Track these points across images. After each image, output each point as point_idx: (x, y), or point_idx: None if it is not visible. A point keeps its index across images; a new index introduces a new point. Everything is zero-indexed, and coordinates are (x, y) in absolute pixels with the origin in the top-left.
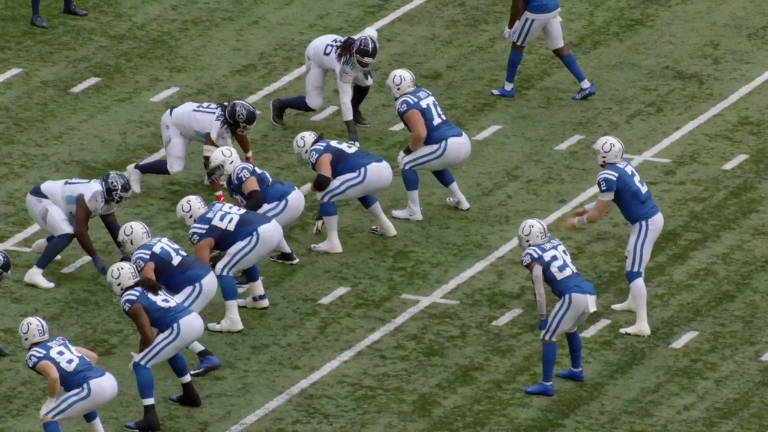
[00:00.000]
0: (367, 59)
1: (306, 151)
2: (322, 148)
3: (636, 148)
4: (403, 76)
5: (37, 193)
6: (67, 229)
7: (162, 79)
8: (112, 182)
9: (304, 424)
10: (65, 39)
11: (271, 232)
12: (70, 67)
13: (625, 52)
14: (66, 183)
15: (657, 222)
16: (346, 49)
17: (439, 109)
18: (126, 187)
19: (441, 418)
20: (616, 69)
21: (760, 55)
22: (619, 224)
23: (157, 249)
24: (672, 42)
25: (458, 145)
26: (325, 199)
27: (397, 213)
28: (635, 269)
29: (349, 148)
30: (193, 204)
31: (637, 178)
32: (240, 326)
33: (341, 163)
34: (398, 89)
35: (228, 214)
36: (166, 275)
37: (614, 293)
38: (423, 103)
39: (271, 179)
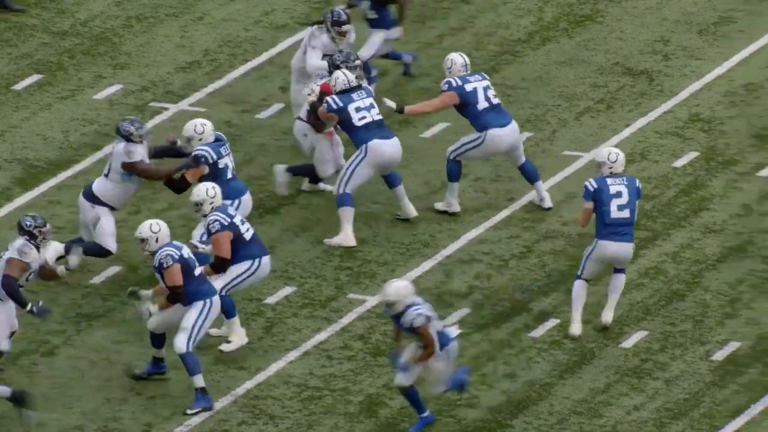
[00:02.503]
0: (345, 27)
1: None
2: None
3: (586, 146)
4: (454, 60)
5: (91, 197)
6: (111, 245)
7: (105, 77)
8: (27, 224)
9: (250, 426)
10: (7, 35)
11: (268, 265)
12: (11, 64)
13: (575, 49)
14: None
15: (608, 250)
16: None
17: (491, 93)
18: (44, 222)
19: (388, 419)
20: (565, 65)
21: (711, 51)
22: (568, 223)
23: (185, 253)
24: (622, 38)
25: (497, 137)
26: (341, 190)
27: (437, 205)
28: (578, 272)
29: (243, 224)
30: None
31: (618, 201)
32: (245, 339)
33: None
34: (449, 72)
35: (245, 223)
36: (185, 282)
37: (564, 292)
38: (469, 87)
39: (232, 173)
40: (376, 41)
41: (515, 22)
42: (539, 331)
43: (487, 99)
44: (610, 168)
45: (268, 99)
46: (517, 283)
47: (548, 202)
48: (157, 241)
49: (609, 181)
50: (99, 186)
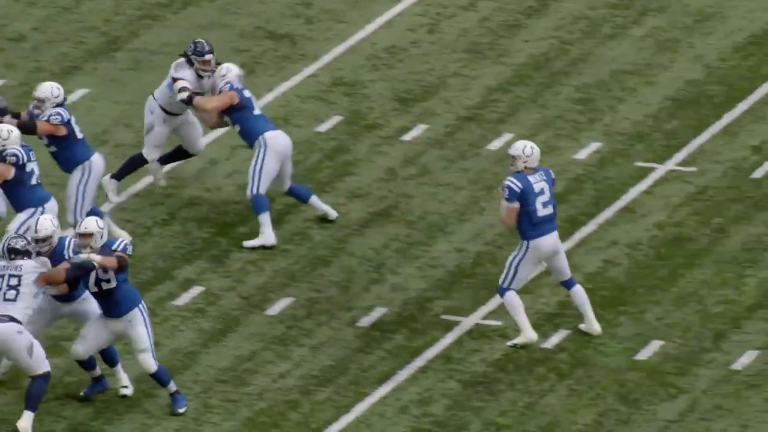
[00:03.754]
0: (207, 56)
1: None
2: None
3: None
4: (229, 68)
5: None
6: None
7: None
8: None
9: None
10: None
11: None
12: None
13: (216, 12)
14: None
15: (544, 247)
16: (188, 61)
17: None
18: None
19: None
20: (206, 29)
21: (354, 14)
22: (211, 189)
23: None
24: (264, 1)
25: (274, 137)
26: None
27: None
28: (505, 285)
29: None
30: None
31: (542, 198)
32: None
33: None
34: (222, 78)
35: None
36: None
37: (207, 260)
38: (246, 93)
39: (37, 180)
40: None
41: None
42: (184, 299)
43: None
44: (525, 162)
45: None
46: (159, 251)
47: (333, 214)
48: (102, 237)
49: (531, 179)
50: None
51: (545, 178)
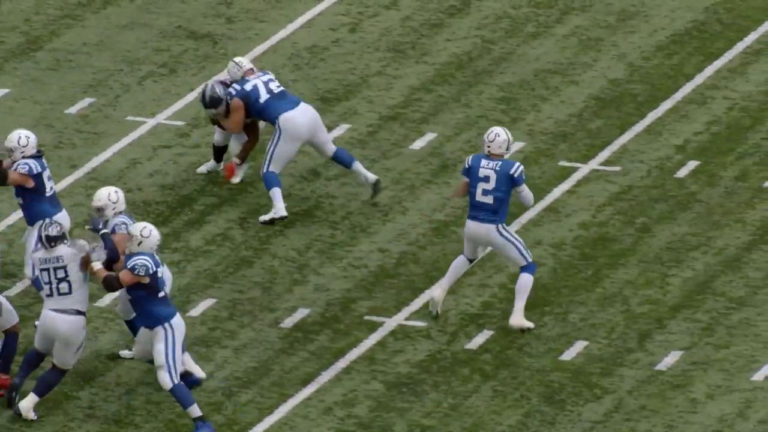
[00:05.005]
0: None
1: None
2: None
3: (149, 111)
4: (241, 62)
5: None
6: None
7: None
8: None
9: None
10: None
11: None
12: None
13: (136, 12)
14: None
15: (468, 229)
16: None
17: (273, 84)
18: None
19: None
20: (126, 29)
21: (275, 13)
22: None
23: (159, 271)
24: (184, 1)
25: (291, 119)
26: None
27: (263, 218)
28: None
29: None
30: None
31: (484, 185)
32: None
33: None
34: (231, 77)
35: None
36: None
37: None
38: (248, 86)
39: (52, 189)
40: None
41: None
42: (105, 300)
43: (269, 90)
44: (488, 147)
45: None
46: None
47: (372, 177)
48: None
49: (483, 162)
50: None
51: (497, 168)
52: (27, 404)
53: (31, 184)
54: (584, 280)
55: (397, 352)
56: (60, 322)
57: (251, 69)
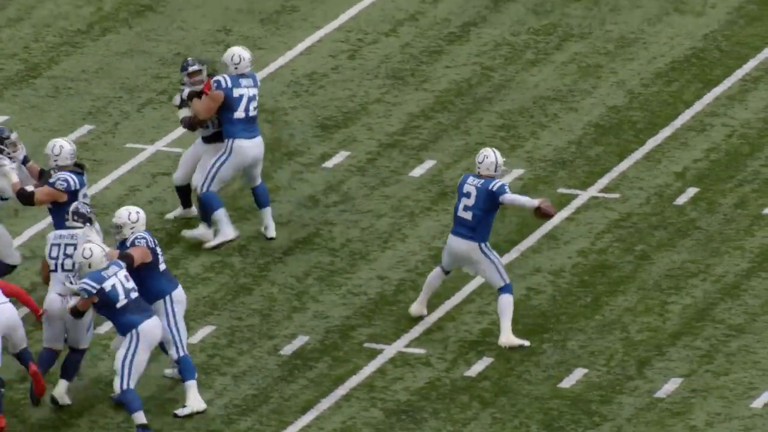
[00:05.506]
0: (191, 67)
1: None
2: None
3: (148, 138)
4: (242, 56)
5: None
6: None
7: None
8: None
9: None
10: None
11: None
12: None
13: (135, 39)
14: None
15: (449, 243)
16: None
17: (252, 105)
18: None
19: None
20: (126, 56)
21: (274, 40)
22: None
23: (107, 285)
24: (184, 28)
25: (243, 147)
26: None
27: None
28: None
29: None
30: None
31: (466, 201)
32: (202, 406)
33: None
34: (236, 68)
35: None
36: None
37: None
38: (236, 92)
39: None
40: None
41: (75, 12)
42: (105, 328)
43: (246, 109)
44: (478, 168)
45: None
46: None
47: (272, 232)
48: (90, 267)
49: (469, 179)
50: None
51: (479, 186)
52: (60, 390)
53: (64, 198)
54: (583, 307)
55: (396, 380)
56: (66, 303)
57: (248, 69)
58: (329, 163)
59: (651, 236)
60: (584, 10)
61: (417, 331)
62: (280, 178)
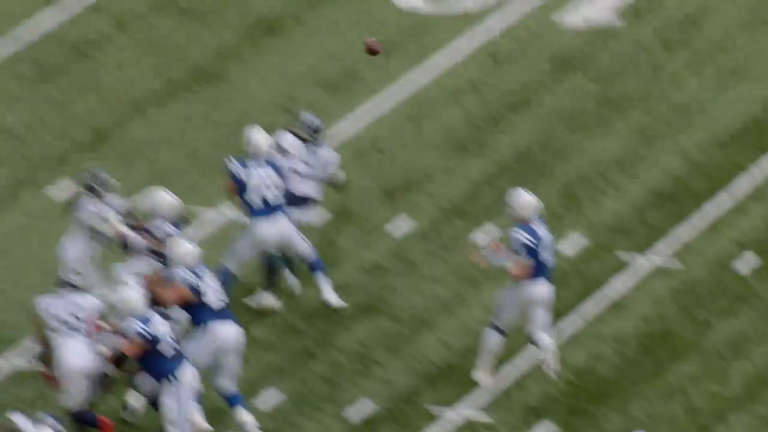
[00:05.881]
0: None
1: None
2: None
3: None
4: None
5: None
6: None
7: None
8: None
9: None
10: None
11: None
12: None
13: (202, 107)
14: None
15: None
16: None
17: (270, 190)
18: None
19: None
20: (191, 122)
21: (339, 108)
22: None
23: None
24: (248, 96)
25: (260, 229)
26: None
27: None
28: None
29: None
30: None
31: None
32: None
33: None
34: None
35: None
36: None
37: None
38: (244, 173)
39: None
40: None
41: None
42: None
43: (261, 196)
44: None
45: None
46: None
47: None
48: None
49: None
50: None
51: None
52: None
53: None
54: (645, 373)
55: None
56: None
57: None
58: (392, 229)
59: (712, 303)
60: (644, 82)
61: (484, 397)
62: (344, 244)
